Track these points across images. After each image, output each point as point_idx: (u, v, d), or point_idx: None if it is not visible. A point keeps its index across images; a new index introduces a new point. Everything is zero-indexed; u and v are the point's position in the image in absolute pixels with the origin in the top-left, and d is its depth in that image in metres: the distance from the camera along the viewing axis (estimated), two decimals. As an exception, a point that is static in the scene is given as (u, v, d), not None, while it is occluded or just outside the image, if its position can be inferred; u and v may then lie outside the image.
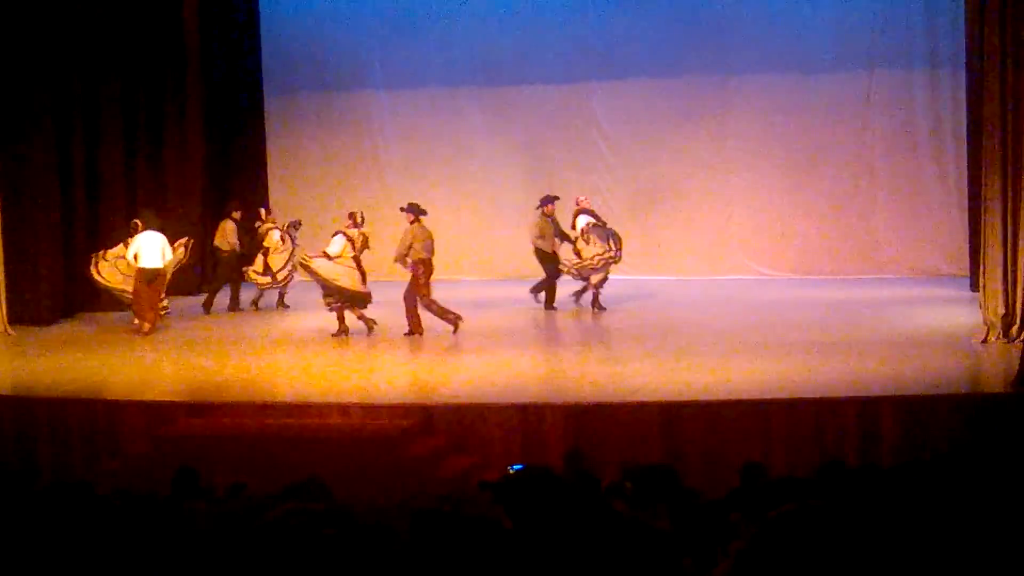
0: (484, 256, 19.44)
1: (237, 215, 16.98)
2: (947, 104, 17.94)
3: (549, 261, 16.21)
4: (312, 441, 11.09)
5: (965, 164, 16.83)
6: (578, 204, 16.25)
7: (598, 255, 15.79)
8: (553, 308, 16.19)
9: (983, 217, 13.66)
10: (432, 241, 14.85)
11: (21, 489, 6.86)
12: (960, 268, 17.30)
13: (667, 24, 18.75)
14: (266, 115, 19.91)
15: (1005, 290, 13.17)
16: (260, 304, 17.01)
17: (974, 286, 15.38)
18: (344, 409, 11.72)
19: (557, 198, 16.19)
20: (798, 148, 18.59)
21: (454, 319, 14.64)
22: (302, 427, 11.45)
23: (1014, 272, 13.09)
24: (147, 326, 15.27)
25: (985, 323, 13.35)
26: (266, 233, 16.87)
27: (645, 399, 11.47)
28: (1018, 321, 13.01)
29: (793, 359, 13.07)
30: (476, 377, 12.69)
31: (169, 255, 15.55)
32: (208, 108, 18.83)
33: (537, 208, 16.27)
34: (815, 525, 3.01)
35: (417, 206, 14.97)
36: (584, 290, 16.16)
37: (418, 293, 14.62)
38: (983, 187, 13.67)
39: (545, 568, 3.89)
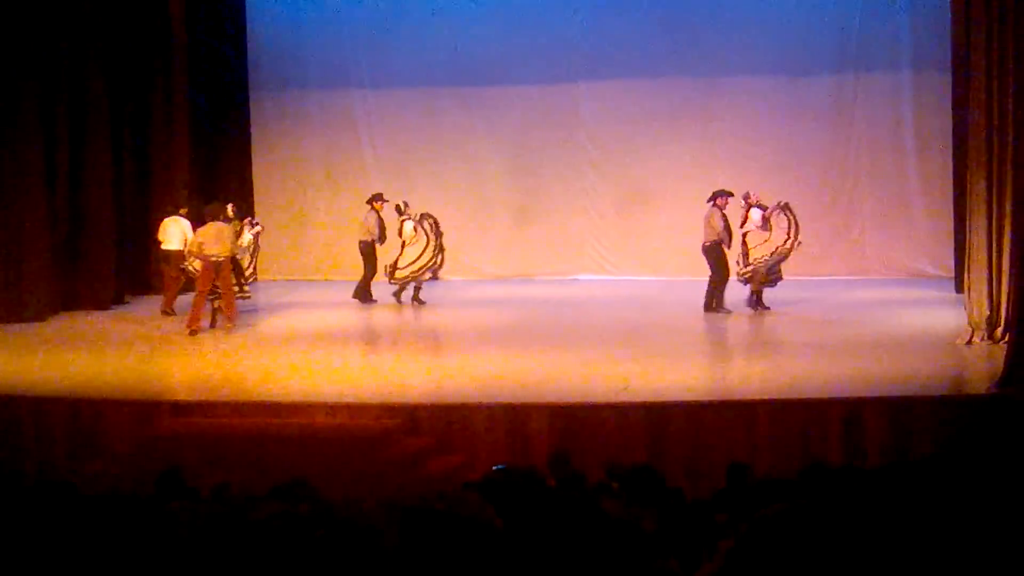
0: (470, 256, 19.43)
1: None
2: (932, 106, 17.98)
3: (716, 258, 15.80)
4: (298, 441, 11.07)
5: (950, 166, 16.86)
6: (747, 200, 15.72)
7: (764, 257, 15.49)
8: (720, 311, 15.58)
9: (968, 219, 13.71)
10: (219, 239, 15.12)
11: (4, 489, 6.83)
12: (945, 270, 17.34)
13: (654, 25, 18.76)
14: (251, 112, 19.86)
15: (989, 292, 13.21)
16: (402, 298, 16.89)
17: (959, 287, 15.41)
18: (330, 409, 11.70)
19: (731, 193, 15.76)
20: (784, 150, 18.62)
21: (194, 328, 14.88)
22: (288, 427, 11.44)
23: (998, 274, 13.13)
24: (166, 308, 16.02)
25: (969, 324, 13.39)
26: (401, 225, 16.77)
27: (630, 400, 11.48)
28: (1002, 322, 13.05)
29: (778, 360, 13.10)
30: (462, 377, 12.68)
31: (190, 236, 15.81)
32: (194, 105, 18.78)
33: (708, 201, 15.92)
34: (804, 525, 3.01)
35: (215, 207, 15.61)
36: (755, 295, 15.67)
37: (200, 288, 15.05)
38: (968, 189, 13.71)
39: (533, 567, 3.89)
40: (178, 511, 5.82)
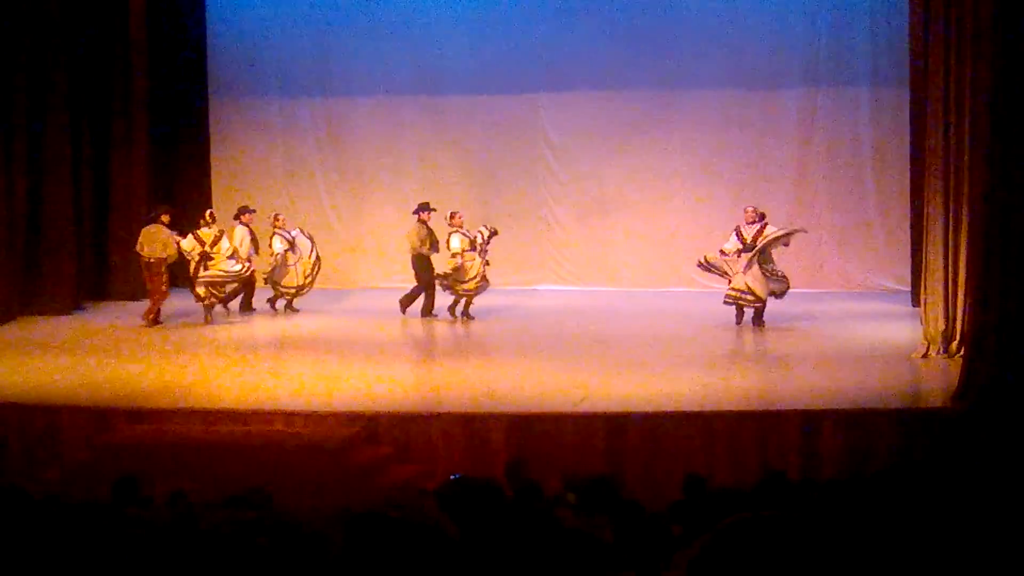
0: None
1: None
2: (891, 122, 18.11)
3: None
4: (256, 449, 11.03)
5: (908, 181, 16.99)
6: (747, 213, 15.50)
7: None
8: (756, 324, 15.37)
9: (924, 233, 13.82)
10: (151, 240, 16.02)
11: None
12: (902, 283, 17.47)
13: (615, 37, 18.81)
14: (211, 118, 19.77)
15: (945, 306, 13.33)
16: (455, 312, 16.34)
17: (915, 301, 15.54)
18: (288, 417, 11.67)
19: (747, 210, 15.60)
20: (743, 163, 18.71)
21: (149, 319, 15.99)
22: (246, 435, 11.39)
23: (954, 288, 13.25)
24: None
25: (925, 338, 13.50)
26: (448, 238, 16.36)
27: (589, 410, 11.50)
28: (958, 336, 13.16)
29: (736, 372, 13.16)
30: (421, 386, 12.67)
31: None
32: (153, 110, 18.68)
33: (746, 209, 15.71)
34: (767, 535, 3.03)
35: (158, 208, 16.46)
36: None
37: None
38: (925, 204, 13.83)
39: (487, 578, 3.89)
40: (132, 519, 5.79)
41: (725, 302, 15.48)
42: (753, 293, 15.33)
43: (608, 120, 19.01)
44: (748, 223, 15.54)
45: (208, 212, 16.73)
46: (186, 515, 5.80)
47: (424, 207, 16.56)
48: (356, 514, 3.61)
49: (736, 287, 15.40)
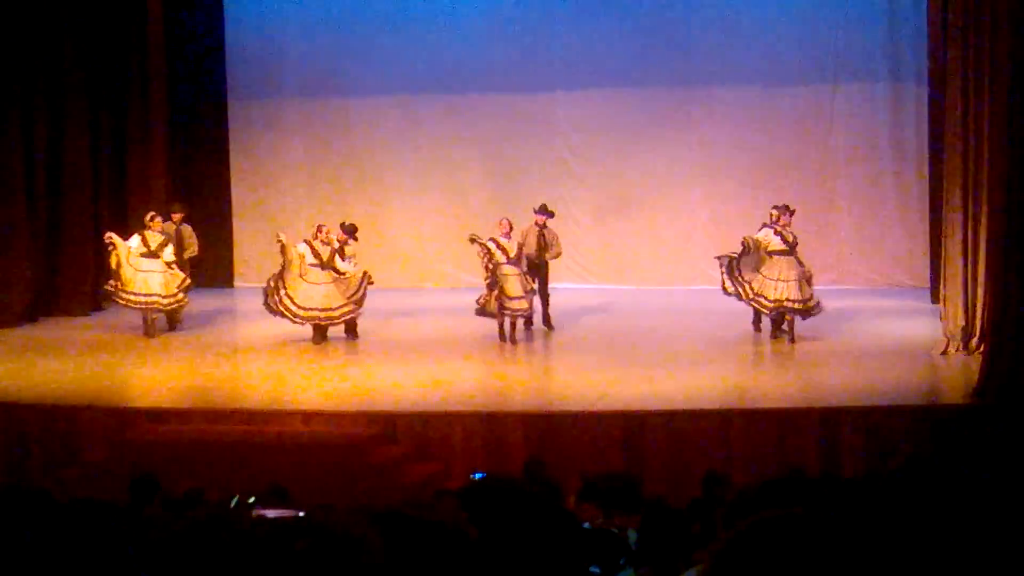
0: (448, 264, 19.43)
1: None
2: (909, 118, 18.06)
3: None
4: (274, 448, 11.06)
5: (927, 177, 16.95)
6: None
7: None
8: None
9: (944, 229, 13.78)
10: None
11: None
12: (921, 280, 17.41)
13: (633, 35, 18.80)
14: (229, 118, 19.81)
15: (965, 302, 13.28)
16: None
17: (935, 298, 15.48)
18: (307, 416, 11.69)
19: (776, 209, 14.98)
20: (761, 160, 18.67)
21: None
22: (264, 434, 11.42)
23: (974, 284, 13.20)
24: None
25: (945, 335, 13.45)
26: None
27: (607, 408, 11.49)
28: (977, 333, 13.11)
29: (755, 369, 13.15)
30: (440, 385, 12.67)
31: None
32: (172, 110, 18.73)
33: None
34: (790, 533, 3.01)
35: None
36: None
37: None
38: (944, 200, 13.79)
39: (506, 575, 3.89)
40: (153, 518, 5.80)
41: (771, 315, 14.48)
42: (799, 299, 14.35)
43: (626, 118, 18.99)
44: (785, 226, 14.72)
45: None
46: (223, 516, 5.79)
47: (542, 209, 15.68)
48: (375, 513, 3.60)
49: (778, 297, 14.32)
